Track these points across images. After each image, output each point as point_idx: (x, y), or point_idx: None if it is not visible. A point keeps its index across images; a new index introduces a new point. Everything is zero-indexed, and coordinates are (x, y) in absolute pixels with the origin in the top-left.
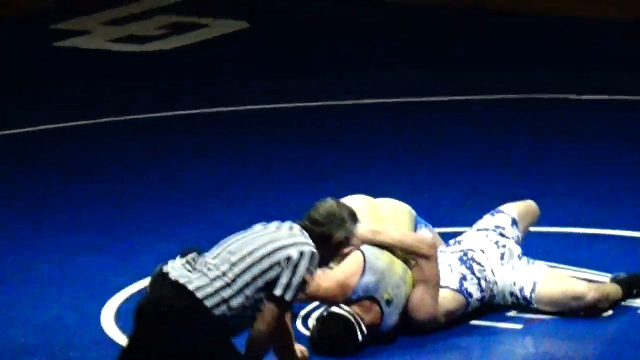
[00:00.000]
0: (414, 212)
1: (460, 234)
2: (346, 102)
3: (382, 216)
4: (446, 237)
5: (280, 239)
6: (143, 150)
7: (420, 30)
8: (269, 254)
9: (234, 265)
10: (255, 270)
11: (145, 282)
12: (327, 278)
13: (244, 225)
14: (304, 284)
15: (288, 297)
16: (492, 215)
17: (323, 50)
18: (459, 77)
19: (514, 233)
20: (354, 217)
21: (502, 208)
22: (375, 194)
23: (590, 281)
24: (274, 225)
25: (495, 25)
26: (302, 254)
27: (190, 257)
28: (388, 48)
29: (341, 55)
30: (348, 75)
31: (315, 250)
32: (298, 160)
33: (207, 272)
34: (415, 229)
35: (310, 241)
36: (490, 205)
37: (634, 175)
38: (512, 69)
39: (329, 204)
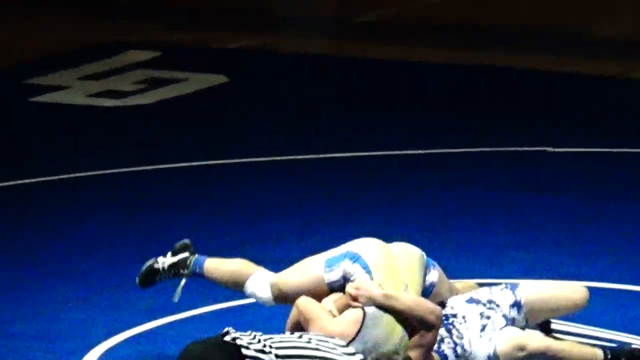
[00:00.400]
0: (424, 256)
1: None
2: (328, 154)
3: (395, 263)
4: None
5: None
6: (123, 204)
7: (392, 85)
8: None
9: None
10: None
11: (126, 335)
12: (319, 325)
13: None
14: None
15: None
16: (502, 289)
17: (301, 103)
18: (434, 130)
19: (512, 314)
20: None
21: (519, 287)
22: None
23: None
24: None
25: (470, 79)
26: None
27: None
28: (365, 103)
29: (317, 109)
30: (325, 128)
31: None
32: (289, 211)
33: None
34: (425, 273)
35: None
36: (474, 254)
37: (612, 227)
38: (482, 123)
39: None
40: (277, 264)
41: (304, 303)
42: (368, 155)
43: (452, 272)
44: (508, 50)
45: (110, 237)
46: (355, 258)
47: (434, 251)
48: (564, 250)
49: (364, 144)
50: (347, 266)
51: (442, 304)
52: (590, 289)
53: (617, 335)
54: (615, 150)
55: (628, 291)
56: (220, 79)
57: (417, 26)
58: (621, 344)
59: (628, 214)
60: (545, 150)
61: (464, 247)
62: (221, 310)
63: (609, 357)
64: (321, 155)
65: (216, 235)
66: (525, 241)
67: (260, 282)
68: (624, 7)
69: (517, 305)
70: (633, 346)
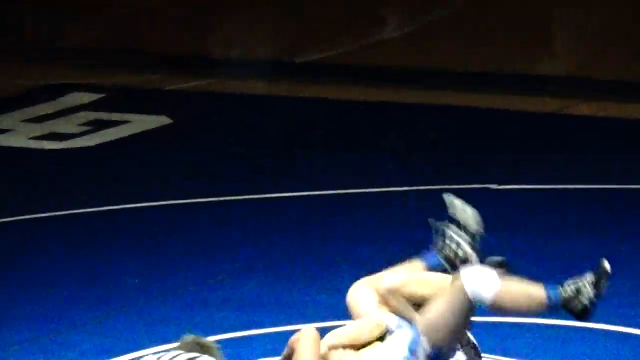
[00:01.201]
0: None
1: None
2: (276, 194)
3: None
4: None
5: None
6: (68, 246)
7: (333, 124)
8: None
9: None
10: None
11: None
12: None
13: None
14: None
15: None
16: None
17: (245, 144)
18: (374, 169)
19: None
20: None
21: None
22: None
23: None
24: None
25: (413, 117)
26: None
27: None
28: (312, 140)
29: (261, 148)
30: (272, 168)
31: None
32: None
33: None
34: None
35: None
36: None
37: (557, 265)
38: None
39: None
40: None
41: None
42: (310, 195)
43: None
44: (448, 89)
45: (51, 278)
46: None
47: None
48: None
49: (307, 183)
50: None
51: None
52: (535, 326)
53: None
54: (559, 187)
55: (575, 328)
56: (164, 120)
57: (359, 67)
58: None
59: (571, 251)
60: (488, 188)
61: None
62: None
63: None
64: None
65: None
66: None
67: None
68: (561, 45)
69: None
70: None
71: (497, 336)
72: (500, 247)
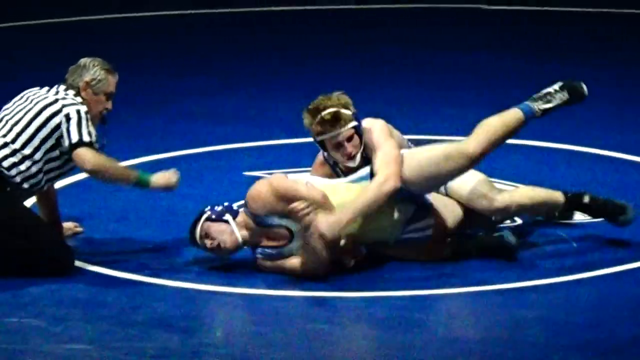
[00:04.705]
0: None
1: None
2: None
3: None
4: None
5: (52, 102)
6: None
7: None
8: (49, 117)
9: (18, 134)
10: (41, 133)
11: None
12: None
13: None
14: (91, 132)
15: (85, 138)
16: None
17: None
18: None
19: None
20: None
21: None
22: None
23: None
24: (45, 90)
25: None
26: (77, 111)
27: None
28: None
29: None
30: None
31: (84, 108)
32: None
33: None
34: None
35: (76, 100)
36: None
37: (543, 86)
38: None
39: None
40: None
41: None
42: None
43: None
44: None
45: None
46: None
47: (366, 107)
48: (497, 110)
49: None
50: None
51: None
52: (519, 147)
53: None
54: (552, 9)
55: (555, 149)
56: None
57: None
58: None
59: (559, 73)
60: (480, 8)
61: (397, 104)
62: None
63: (568, 196)
64: None
65: (144, 89)
66: (457, 99)
67: None
68: None
69: None
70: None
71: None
72: (490, 66)
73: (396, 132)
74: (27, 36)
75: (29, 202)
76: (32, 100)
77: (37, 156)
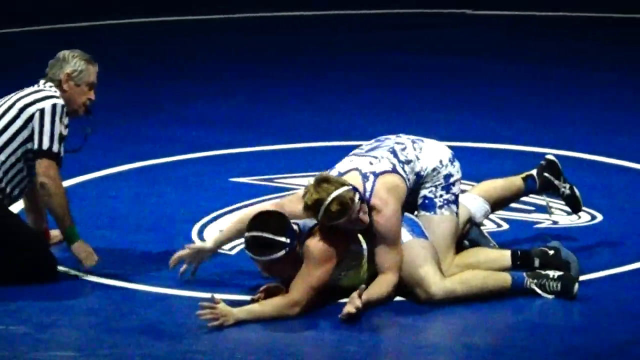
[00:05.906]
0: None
1: None
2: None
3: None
4: None
5: (29, 94)
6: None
7: None
8: (22, 108)
9: None
10: (12, 129)
11: None
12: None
13: None
14: (61, 135)
15: (55, 148)
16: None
17: None
18: None
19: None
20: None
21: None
22: None
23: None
24: (29, 88)
25: None
26: (53, 105)
27: None
28: None
29: None
30: None
31: (61, 101)
32: None
33: None
34: None
35: (55, 93)
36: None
37: (532, 91)
38: None
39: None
40: None
41: None
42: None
43: (377, 133)
44: None
45: None
46: None
47: (358, 112)
48: (487, 114)
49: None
50: None
51: None
52: (508, 151)
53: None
54: (537, 13)
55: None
56: None
57: None
58: (529, 249)
59: (543, 76)
60: (464, 13)
61: (389, 108)
62: None
63: (518, 254)
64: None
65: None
66: (443, 103)
67: None
68: None
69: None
70: (542, 247)
71: (473, 160)
72: (475, 70)
73: (402, 187)
74: (25, 38)
75: (16, 209)
76: (11, 98)
77: (13, 147)
